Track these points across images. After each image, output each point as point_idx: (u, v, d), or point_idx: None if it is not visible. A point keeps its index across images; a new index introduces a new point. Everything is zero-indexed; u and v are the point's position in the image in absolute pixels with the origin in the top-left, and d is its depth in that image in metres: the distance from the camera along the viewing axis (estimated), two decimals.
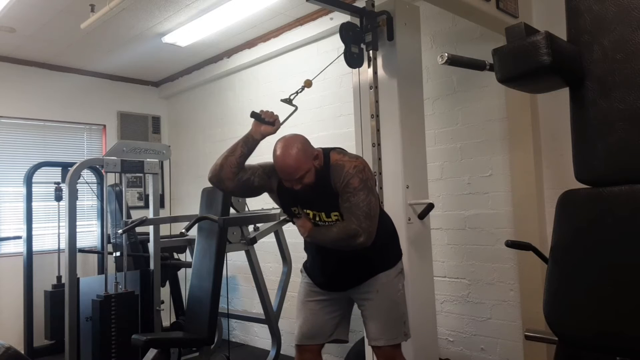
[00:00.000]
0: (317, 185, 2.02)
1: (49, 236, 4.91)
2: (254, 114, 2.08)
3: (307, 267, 2.30)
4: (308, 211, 2.10)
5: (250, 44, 4.62)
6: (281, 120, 2.13)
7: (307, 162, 1.98)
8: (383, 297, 2.13)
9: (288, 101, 2.21)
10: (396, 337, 2.15)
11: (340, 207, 2.00)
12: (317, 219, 2.08)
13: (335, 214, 2.04)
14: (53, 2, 3.65)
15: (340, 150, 2.12)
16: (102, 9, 3.39)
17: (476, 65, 1.87)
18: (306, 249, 2.29)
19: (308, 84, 2.28)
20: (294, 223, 2.20)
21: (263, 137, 2.09)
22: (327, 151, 2.08)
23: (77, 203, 3.50)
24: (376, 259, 2.14)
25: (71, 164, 3.76)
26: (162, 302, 3.87)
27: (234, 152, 2.06)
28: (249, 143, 2.07)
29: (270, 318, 3.71)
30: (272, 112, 2.09)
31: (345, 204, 1.98)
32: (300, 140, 2.03)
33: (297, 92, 2.21)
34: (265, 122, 2.07)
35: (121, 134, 5.58)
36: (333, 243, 2.02)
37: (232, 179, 2.07)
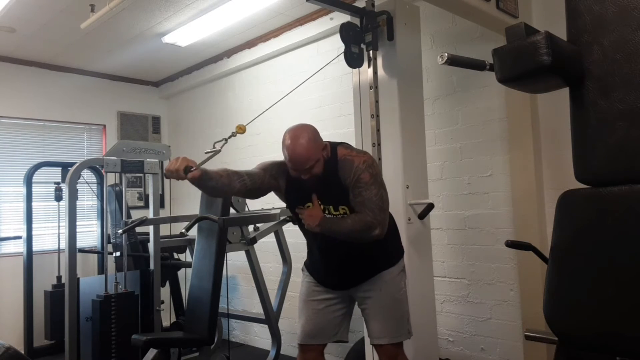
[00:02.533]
0: (325, 179, 2.03)
1: (49, 236, 4.91)
2: (166, 177, 1.96)
3: (309, 266, 2.30)
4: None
5: (250, 44, 4.62)
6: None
7: (316, 152, 1.99)
8: (386, 295, 2.14)
9: (212, 149, 2.11)
10: (399, 335, 2.15)
11: (352, 201, 2.01)
12: (326, 212, 2.08)
13: (343, 208, 2.05)
14: (53, 2, 3.65)
15: (347, 146, 2.13)
16: (102, 9, 3.39)
17: (476, 65, 1.88)
18: (308, 247, 2.29)
19: (241, 130, 2.17)
20: (294, 223, 2.19)
21: (194, 178, 1.93)
22: (334, 145, 2.09)
23: (77, 203, 3.50)
24: (379, 256, 2.15)
25: (71, 164, 3.76)
26: (162, 302, 3.87)
27: (207, 190, 2.07)
28: (199, 185, 1.99)
29: (270, 318, 3.71)
30: (172, 163, 1.92)
31: (358, 199, 1.98)
32: (309, 130, 2.03)
33: (225, 140, 2.12)
34: (177, 177, 1.91)
35: (121, 134, 5.58)
36: (347, 234, 2.00)
37: (234, 191, 2.08)
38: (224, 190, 2.06)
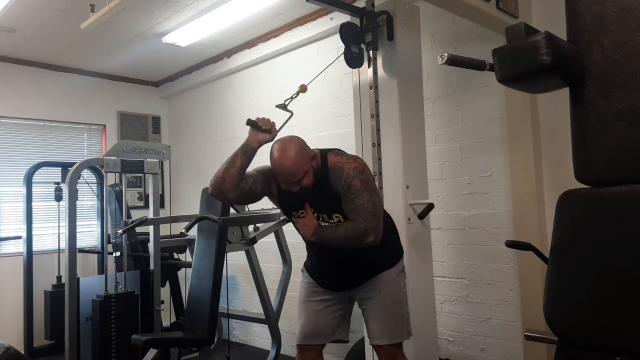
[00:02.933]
0: (317, 188, 2.01)
1: (49, 236, 4.91)
2: (250, 122, 2.01)
3: (309, 267, 2.30)
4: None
5: (250, 44, 4.62)
6: (277, 126, 2.07)
7: (305, 164, 1.97)
8: (385, 295, 2.14)
9: (283, 107, 2.16)
10: (398, 335, 2.15)
11: (345, 209, 1.99)
12: (320, 220, 2.08)
13: (337, 216, 2.04)
14: (53, 2, 3.65)
15: (338, 152, 2.10)
16: (102, 9, 3.39)
17: (476, 65, 1.88)
18: (307, 249, 2.29)
19: (303, 89, 2.23)
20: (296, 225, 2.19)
21: (260, 145, 2.02)
22: (324, 152, 2.07)
23: (77, 203, 3.50)
24: (378, 258, 2.14)
25: (71, 164, 3.76)
26: (162, 302, 3.87)
27: (233, 164, 2.00)
28: (248, 152, 2.01)
29: (270, 318, 3.71)
30: (268, 120, 2.03)
31: (350, 206, 1.97)
32: (297, 142, 2.00)
33: (292, 97, 2.15)
34: (262, 129, 2.01)
35: (121, 134, 5.58)
36: (341, 242, 2.00)
37: (235, 191, 2.03)
38: (238, 180, 2.01)
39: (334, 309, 2.23)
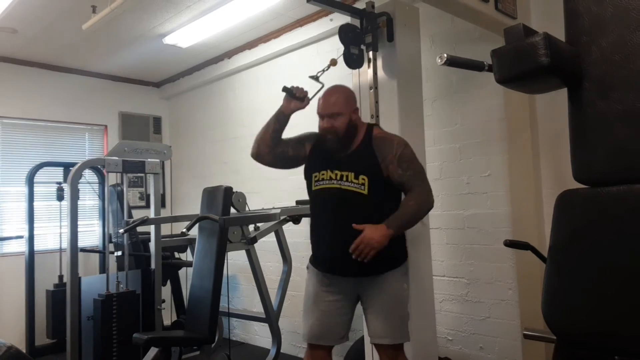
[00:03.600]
0: (360, 151, 2.17)
1: (51, 236, 4.93)
2: (285, 89, 2.20)
3: (315, 256, 2.27)
4: (336, 171, 2.16)
5: (251, 45, 4.63)
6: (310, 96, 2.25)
7: (346, 106, 2.18)
8: (390, 295, 2.15)
9: (315, 78, 2.35)
10: (401, 336, 2.16)
11: (402, 176, 2.12)
12: (345, 178, 2.14)
13: (363, 177, 2.12)
14: (55, 3, 3.67)
15: (380, 127, 2.31)
16: (104, 10, 3.40)
17: (475, 66, 1.89)
18: (312, 231, 2.27)
19: (334, 62, 2.40)
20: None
21: (293, 112, 2.24)
22: (370, 124, 2.30)
23: (79, 203, 3.51)
24: (384, 249, 2.08)
25: (73, 164, 3.77)
26: (163, 301, 3.88)
27: (267, 129, 2.24)
28: (280, 119, 2.24)
29: (271, 317, 3.72)
30: (302, 88, 2.23)
31: (408, 172, 2.13)
32: (348, 90, 2.26)
33: (323, 70, 2.36)
34: (296, 97, 2.21)
35: (122, 134, 5.59)
36: (414, 214, 2.12)
37: (269, 153, 2.26)
38: (272, 143, 2.25)
39: (342, 311, 2.22)
